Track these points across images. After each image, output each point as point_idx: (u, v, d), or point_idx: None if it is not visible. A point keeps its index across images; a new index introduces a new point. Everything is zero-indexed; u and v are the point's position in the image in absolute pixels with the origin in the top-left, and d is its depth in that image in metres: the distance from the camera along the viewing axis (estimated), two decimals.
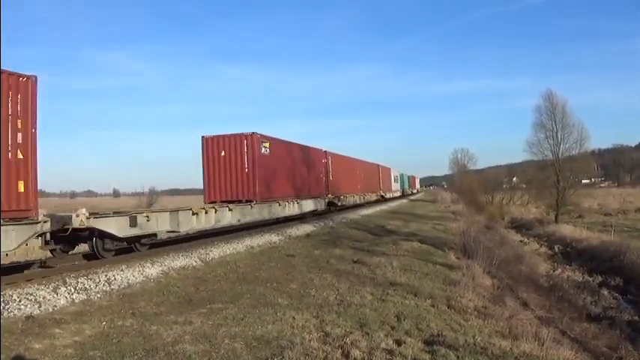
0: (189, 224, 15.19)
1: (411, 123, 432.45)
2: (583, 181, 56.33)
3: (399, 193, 67.37)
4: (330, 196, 29.26)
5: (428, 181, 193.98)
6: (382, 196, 50.21)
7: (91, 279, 9.60)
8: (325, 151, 29.33)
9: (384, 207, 43.05)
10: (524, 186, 66.89)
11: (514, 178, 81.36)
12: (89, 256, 12.40)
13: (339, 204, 32.10)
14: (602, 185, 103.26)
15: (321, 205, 27.35)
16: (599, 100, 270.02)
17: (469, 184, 69.77)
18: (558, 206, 42.22)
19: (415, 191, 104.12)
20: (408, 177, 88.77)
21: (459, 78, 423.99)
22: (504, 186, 77.63)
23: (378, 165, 49.64)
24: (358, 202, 38.94)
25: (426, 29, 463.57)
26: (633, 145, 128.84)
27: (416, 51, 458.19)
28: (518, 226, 42.61)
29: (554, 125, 42.94)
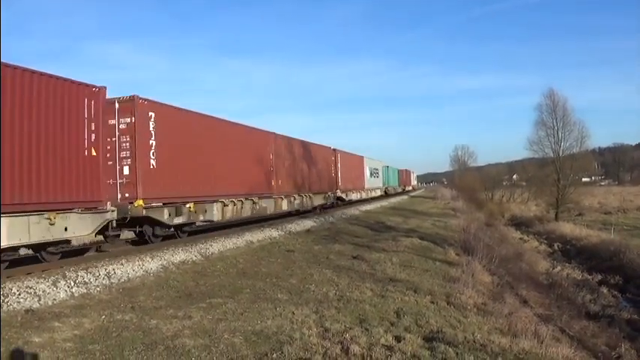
0: None
1: (412, 119, 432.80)
2: (583, 180, 56.50)
3: (379, 192, 48.89)
4: (139, 204, 12.38)
5: (428, 178, 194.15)
6: (341, 198, 32.76)
7: (90, 273, 9.59)
8: (139, 100, 12.77)
9: (384, 203, 42.98)
10: (524, 183, 67.07)
11: (514, 176, 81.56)
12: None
13: (172, 224, 14.06)
14: (603, 184, 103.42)
15: (83, 227, 10.64)
16: (600, 98, 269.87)
17: (469, 181, 69.77)
18: (558, 204, 42.26)
19: (410, 189, 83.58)
20: (398, 171, 68.77)
21: (461, 74, 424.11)
22: (504, 183, 77.88)
23: (334, 150, 31.99)
24: (272, 211, 20.98)
25: (430, 24, 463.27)
26: (634, 144, 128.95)
27: (420, 46, 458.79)
28: (518, 223, 42.64)
29: (555, 123, 43.06)
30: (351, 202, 35.82)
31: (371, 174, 44.66)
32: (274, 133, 21.52)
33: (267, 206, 20.24)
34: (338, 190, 32.06)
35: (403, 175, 74.02)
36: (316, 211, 27.05)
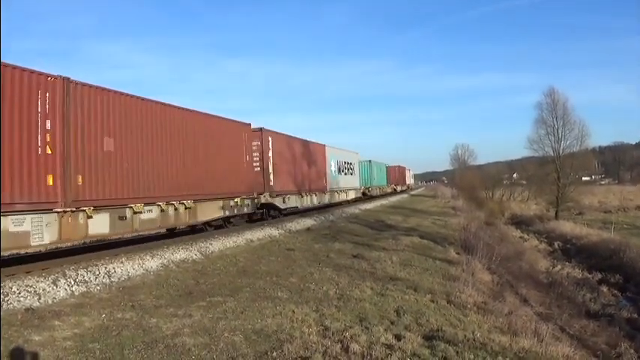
0: None
1: (412, 118, 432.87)
2: (583, 178, 56.66)
3: (353, 194, 37.55)
4: None
5: (428, 177, 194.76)
6: (272, 205, 21.06)
7: (90, 271, 9.59)
8: None
9: (384, 202, 42.93)
10: (524, 182, 67.15)
11: (514, 175, 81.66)
12: None
13: None
14: (603, 182, 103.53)
15: None
16: (600, 97, 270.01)
17: (469, 180, 69.77)
18: (558, 203, 42.32)
19: (404, 188, 71.12)
20: (387, 168, 56.19)
21: (462, 73, 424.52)
22: (505, 182, 77.94)
23: (260, 130, 20.24)
24: (54, 239, 9.78)
25: (431, 24, 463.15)
26: (634, 143, 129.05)
27: (420, 46, 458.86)
28: (518, 222, 42.66)
29: (555, 122, 43.19)
30: (299, 213, 24.20)
31: (340, 170, 33.11)
32: (66, 78, 10.24)
33: (31, 231, 9.26)
34: (266, 194, 20.17)
35: (394, 173, 60.94)
36: (210, 229, 16.68)
